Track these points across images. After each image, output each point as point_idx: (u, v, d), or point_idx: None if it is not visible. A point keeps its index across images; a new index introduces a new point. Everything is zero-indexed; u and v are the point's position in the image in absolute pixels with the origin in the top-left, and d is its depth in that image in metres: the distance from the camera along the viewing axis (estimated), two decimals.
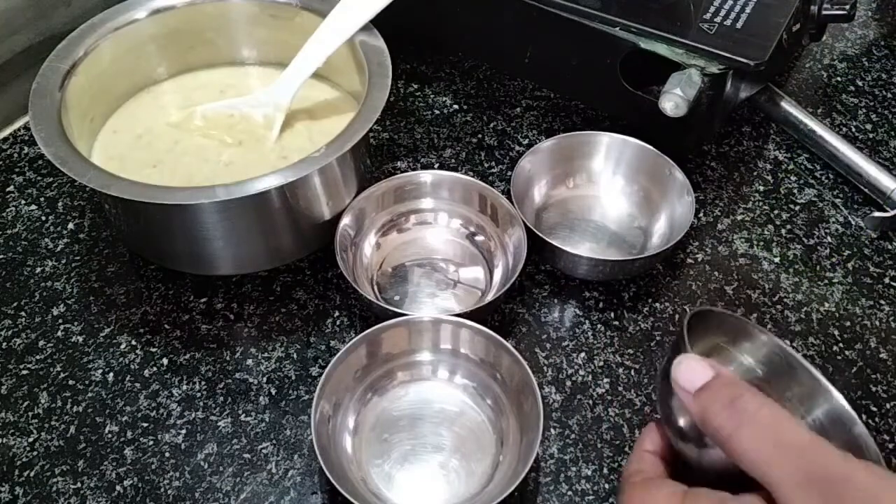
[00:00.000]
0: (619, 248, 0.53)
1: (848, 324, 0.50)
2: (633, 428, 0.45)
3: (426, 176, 0.53)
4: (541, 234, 0.49)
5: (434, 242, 0.53)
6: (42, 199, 0.56)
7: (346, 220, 0.50)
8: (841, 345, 0.49)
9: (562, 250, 0.48)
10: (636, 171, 0.54)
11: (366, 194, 0.51)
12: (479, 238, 0.52)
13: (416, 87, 0.64)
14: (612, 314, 0.50)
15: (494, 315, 0.50)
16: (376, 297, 0.49)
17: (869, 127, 0.62)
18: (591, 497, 0.43)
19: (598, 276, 0.50)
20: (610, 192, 0.55)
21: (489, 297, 0.48)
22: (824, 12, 0.57)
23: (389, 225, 0.53)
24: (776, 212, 0.56)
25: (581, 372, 0.48)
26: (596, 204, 0.55)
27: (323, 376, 0.42)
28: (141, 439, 0.44)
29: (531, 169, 0.54)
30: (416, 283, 0.51)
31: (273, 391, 0.46)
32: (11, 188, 0.57)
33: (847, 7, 0.57)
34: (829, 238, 0.55)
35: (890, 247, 0.55)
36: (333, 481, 0.38)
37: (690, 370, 0.33)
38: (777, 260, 0.54)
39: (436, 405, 0.45)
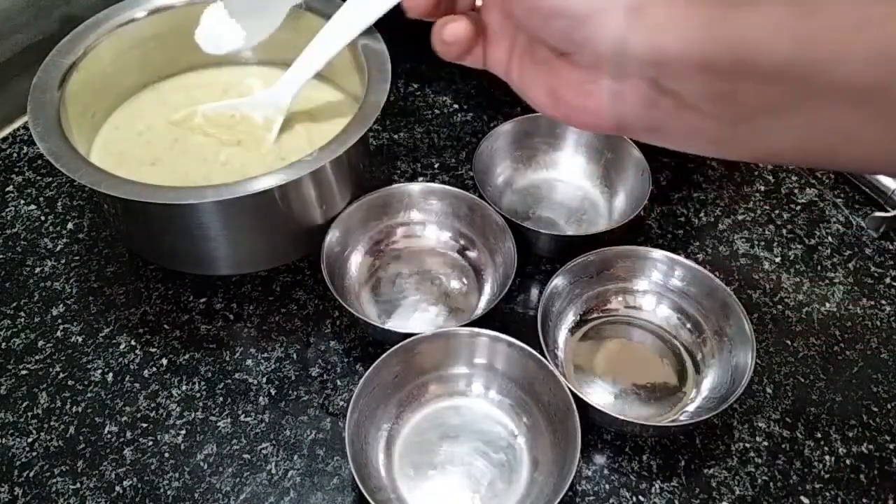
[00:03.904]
0: (580, 226, 0.54)
1: (849, 324, 0.50)
2: None
3: (415, 188, 0.52)
4: (516, 220, 0.50)
5: (423, 255, 0.52)
6: (41, 198, 0.56)
7: (332, 235, 0.49)
8: (842, 345, 0.49)
9: (535, 231, 0.50)
10: (596, 150, 0.56)
11: (353, 208, 0.50)
12: (469, 250, 0.52)
13: (416, 86, 0.64)
14: None
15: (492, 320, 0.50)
16: (364, 310, 0.49)
17: None
18: None
19: (560, 253, 0.51)
20: (571, 172, 0.57)
21: (479, 311, 0.48)
22: None
23: (378, 238, 0.52)
24: (777, 212, 0.56)
25: None
26: (558, 184, 0.57)
27: (357, 387, 0.41)
28: (140, 440, 0.44)
29: (491, 153, 0.55)
30: (406, 296, 0.50)
31: (273, 391, 0.46)
32: (11, 188, 0.57)
33: None
34: (829, 238, 0.55)
35: (891, 247, 0.55)
36: (367, 495, 0.38)
37: None
38: (778, 260, 0.54)
39: (469, 421, 0.44)
